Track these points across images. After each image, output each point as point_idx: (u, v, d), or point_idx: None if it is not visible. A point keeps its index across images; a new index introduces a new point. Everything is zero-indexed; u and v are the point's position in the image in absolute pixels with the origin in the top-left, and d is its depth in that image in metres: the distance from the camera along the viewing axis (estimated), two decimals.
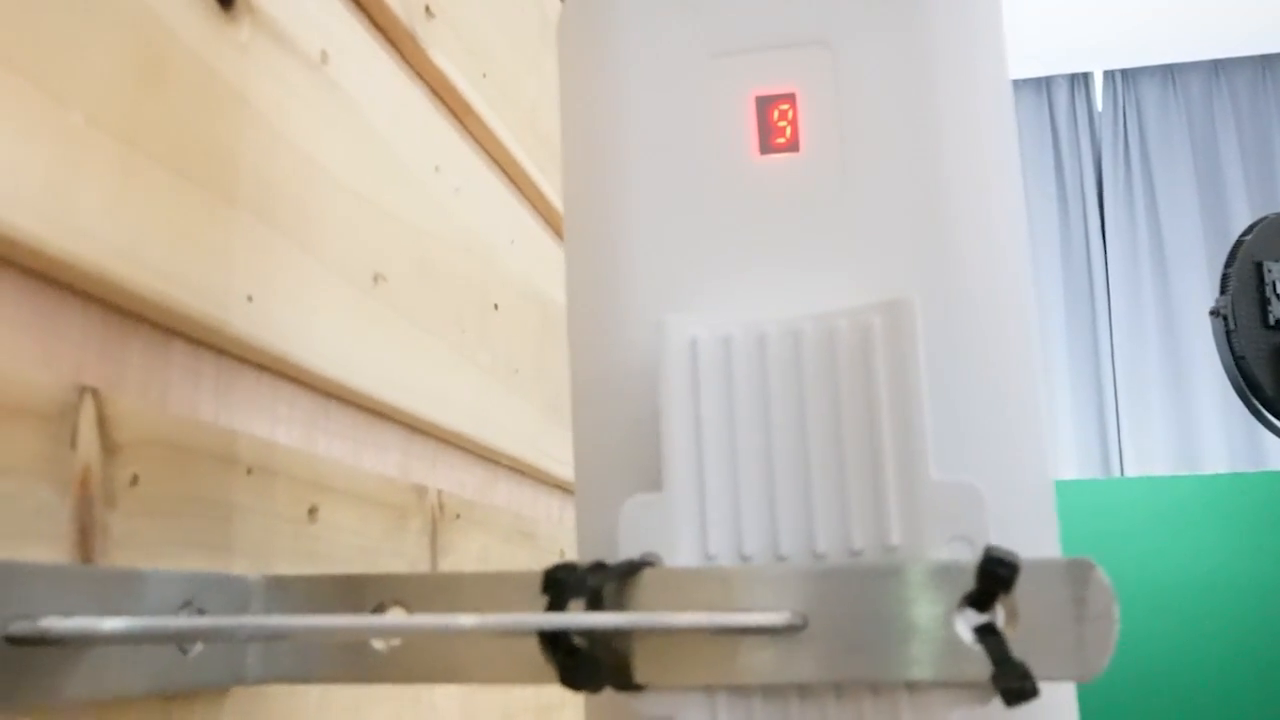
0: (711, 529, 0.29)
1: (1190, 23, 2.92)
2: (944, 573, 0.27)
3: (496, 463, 0.55)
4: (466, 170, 0.51)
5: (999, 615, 0.27)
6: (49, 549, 0.24)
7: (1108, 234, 3.10)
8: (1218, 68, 3.10)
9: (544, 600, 0.27)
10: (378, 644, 0.30)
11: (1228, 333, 1.46)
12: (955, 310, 0.31)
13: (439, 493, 0.46)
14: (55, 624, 0.23)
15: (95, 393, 0.26)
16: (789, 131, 0.33)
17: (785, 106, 0.33)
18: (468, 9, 0.51)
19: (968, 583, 0.27)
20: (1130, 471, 3.00)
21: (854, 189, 0.32)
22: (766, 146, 0.33)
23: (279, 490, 0.34)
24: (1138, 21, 2.91)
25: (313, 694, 0.34)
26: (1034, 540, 0.30)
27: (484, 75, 0.53)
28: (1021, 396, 0.31)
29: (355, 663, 0.30)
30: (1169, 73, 3.13)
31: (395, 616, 0.26)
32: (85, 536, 0.25)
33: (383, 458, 0.42)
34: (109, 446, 0.26)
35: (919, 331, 0.29)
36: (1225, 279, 1.48)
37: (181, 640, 0.25)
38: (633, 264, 0.32)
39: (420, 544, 0.44)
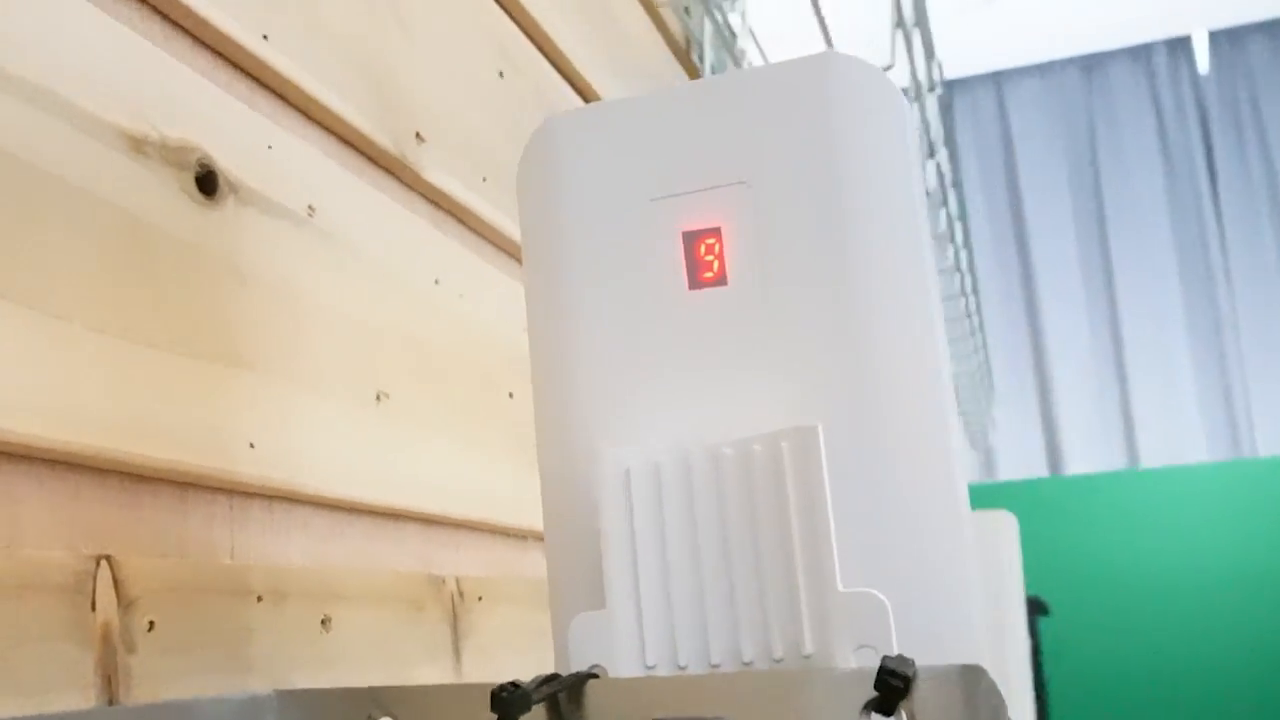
0: (649, 642, 0.33)
1: None
2: (849, 680, 0.30)
3: (524, 536, 0.59)
4: (470, 273, 0.56)
5: (903, 717, 0.30)
6: (78, 697, 0.29)
7: (1222, 205, 3.00)
8: None
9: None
10: None
11: None
12: (870, 424, 0.34)
13: (457, 580, 0.51)
14: None
15: (110, 559, 0.31)
16: (716, 265, 0.37)
17: (712, 240, 0.37)
18: (460, 121, 0.56)
19: (870, 689, 0.30)
20: (1263, 451, 2.90)
21: (776, 316, 0.35)
22: (695, 281, 0.36)
23: (290, 609, 0.38)
24: None
25: None
26: (952, 641, 0.33)
27: (484, 179, 0.58)
28: (939, 502, 0.34)
29: None
30: (1277, 28, 3.02)
31: None
32: (109, 682, 0.30)
33: (402, 556, 0.47)
34: (125, 602, 0.31)
35: (822, 455, 0.32)
36: None
37: None
38: (576, 392, 0.36)
39: (440, 631, 0.48)
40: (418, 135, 0.52)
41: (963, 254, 2.03)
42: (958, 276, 2.01)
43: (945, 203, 1.65)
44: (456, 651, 0.50)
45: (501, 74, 0.61)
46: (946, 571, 0.34)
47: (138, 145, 0.34)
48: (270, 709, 0.35)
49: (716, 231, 0.37)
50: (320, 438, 0.41)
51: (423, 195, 0.53)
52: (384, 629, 0.44)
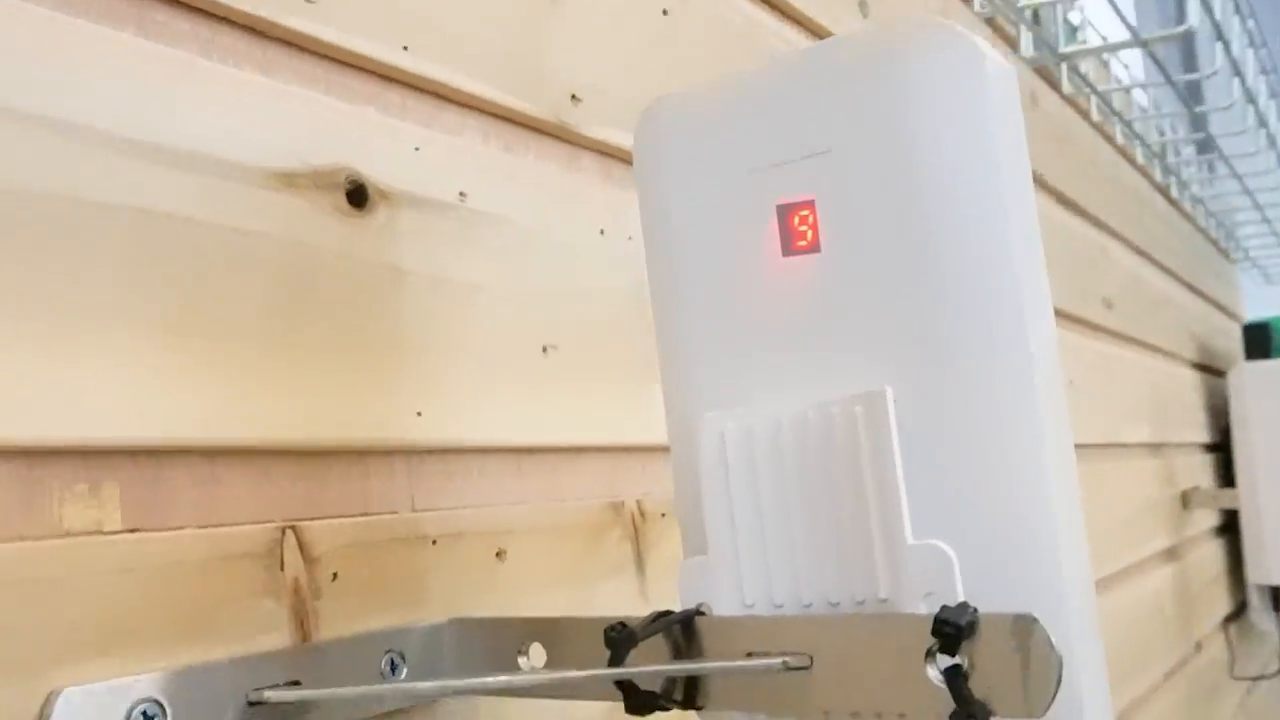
0: (746, 585, 0.37)
1: None
2: (916, 625, 0.33)
3: None
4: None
5: (965, 661, 0.33)
6: (276, 638, 0.37)
7: None
8: None
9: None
10: (522, 661, 0.41)
11: None
12: (945, 386, 0.36)
13: (638, 502, 0.56)
14: (274, 694, 0.35)
15: (294, 527, 0.38)
16: (810, 235, 0.39)
17: (805, 212, 0.39)
18: (618, 74, 0.59)
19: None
20: None
21: (864, 282, 0.37)
22: (789, 249, 0.39)
23: (464, 548, 0.45)
24: None
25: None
26: (1028, 588, 0.35)
27: None
28: (1020, 460, 0.36)
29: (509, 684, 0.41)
30: None
31: (496, 676, 0.37)
32: (302, 624, 0.38)
33: (581, 488, 0.53)
34: (309, 560, 0.38)
35: (890, 417, 0.35)
36: None
37: (368, 700, 0.37)
38: (683, 358, 0.40)
39: (622, 550, 0.54)
40: (573, 97, 0.56)
41: (1261, 80, 1.85)
42: (1251, 109, 1.84)
43: (1221, 36, 1.51)
44: (640, 567, 0.55)
45: (666, 11, 0.64)
46: (1027, 524, 0.35)
47: (289, 181, 0.40)
48: (447, 635, 0.42)
49: (810, 203, 0.39)
50: (487, 394, 0.47)
51: (588, 149, 0.57)
52: (564, 556, 0.50)
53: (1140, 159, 1.75)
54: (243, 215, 0.38)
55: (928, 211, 0.37)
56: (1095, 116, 1.50)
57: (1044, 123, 1.34)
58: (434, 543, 0.44)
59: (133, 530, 0.34)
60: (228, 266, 0.37)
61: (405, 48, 0.46)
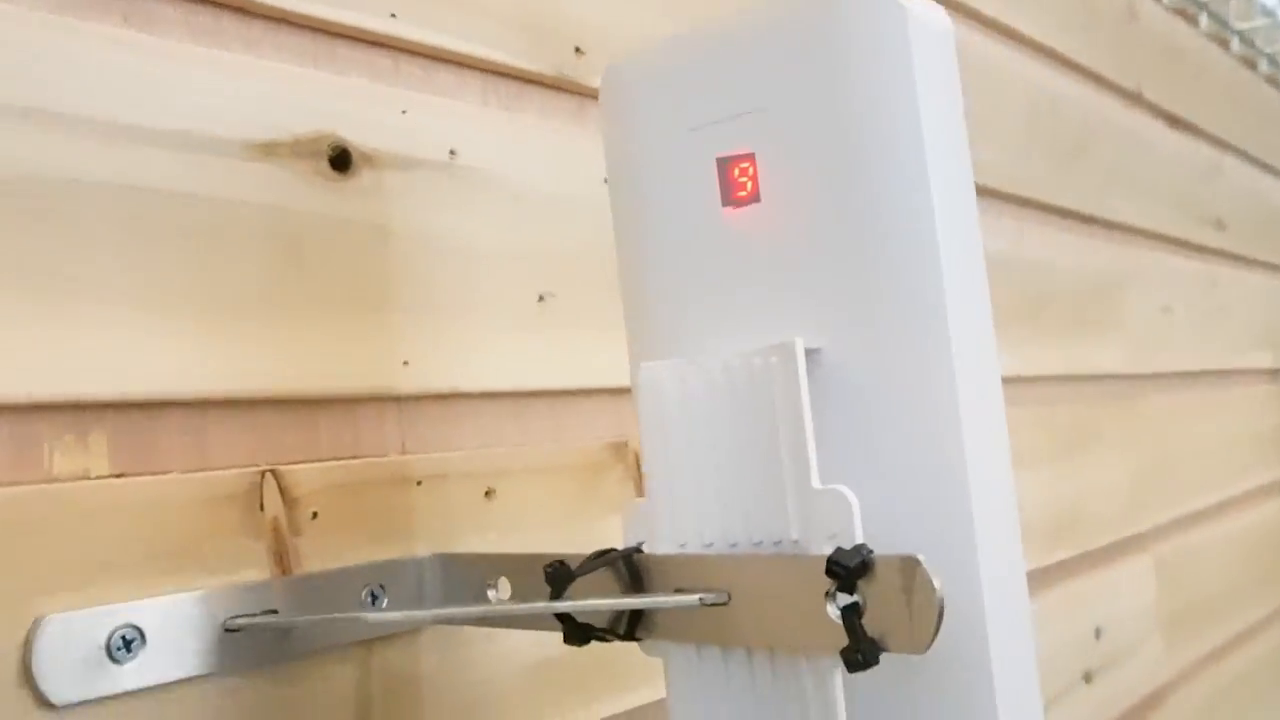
0: (680, 525, 0.39)
1: None
2: (818, 565, 0.35)
3: None
4: None
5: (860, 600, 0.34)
6: (255, 574, 0.41)
7: None
8: None
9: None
10: (491, 593, 0.44)
11: None
12: (867, 337, 0.37)
13: None
14: (249, 621, 0.39)
15: (274, 471, 0.42)
16: (749, 186, 0.40)
17: (745, 164, 0.40)
18: (623, 24, 0.61)
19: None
20: None
21: (800, 233, 0.39)
22: (728, 199, 0.40)
23: (450, 488, 0.48)
24: None
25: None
26: (939, 535, 0.36)
27: None
28: (930, 414, 0.37)
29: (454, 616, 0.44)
30: None
31: (459, 607, 0.40)
32: (281, 560, 0.42)
33: (577, 430, 0.55)
34: (289, 501, 0.42)
35: (800, 369, 0.36)
36: None
37: (335, 626, 0.41)
38: (636, 306, 0.42)
39: (624, 489, 0.57)
40: (577, 50, 0.57)
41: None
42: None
43: None
44: None
45: None
46: (940, 473, 0.36)
47: (269, 150, 0.43)
48: (428, 570, 0.45)
49: (750, 156, 0.40)
50: (479, 343, 0.50)
51: (594, 100, 0.59)
52: (563, 495, 0.53)
53: (1264, 68, 1.66)
54: (225, 185, 0.42)
55: (856, 167, 0.38)
56: (1205, 26, 1.43)
57: (1143, 37, 1.29)
58: (419, 484, 0.47)
59: (119, 475, 0.38)
60: (212, 234, 0.41)
61: (393, 15, 0.48)
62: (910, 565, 0.34)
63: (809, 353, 0.38)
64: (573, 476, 0.54)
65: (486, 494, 0.50)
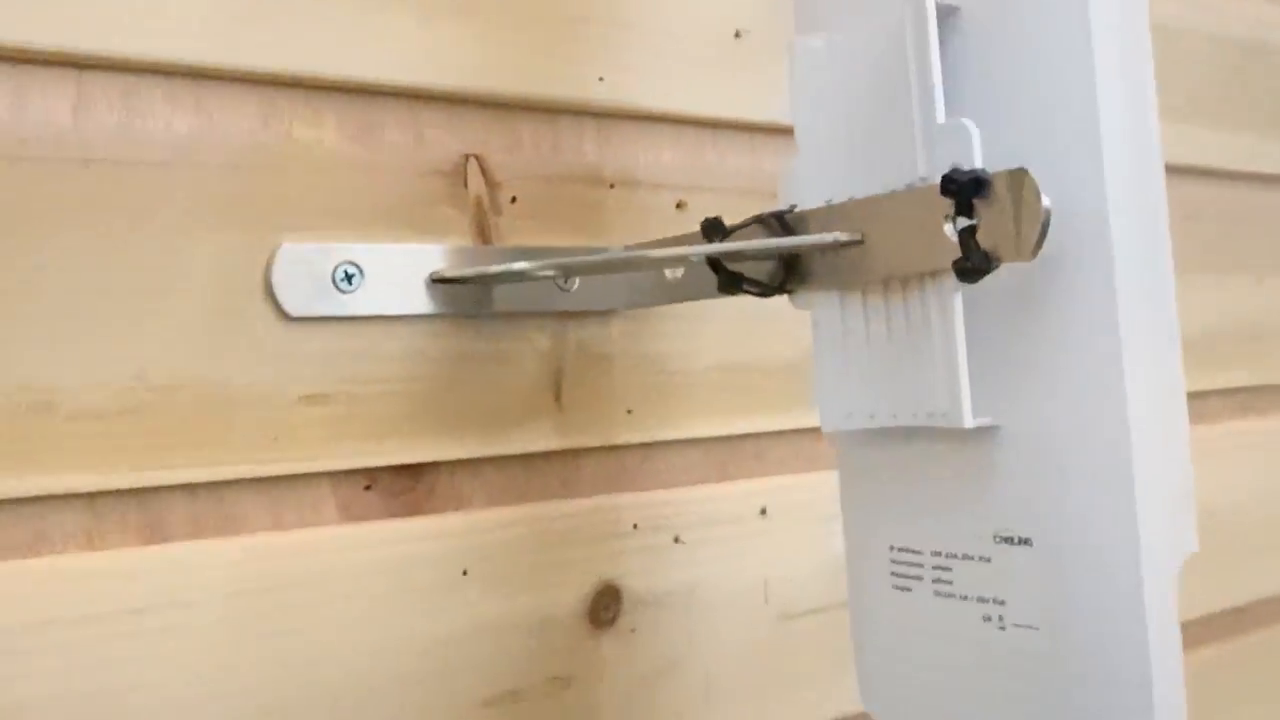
0: (828, 183, 0.42)
1: None
2: (938, 191, 0.37)
3: None
4: None
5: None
6: (459, 240, 0.47)
7: None
8: None
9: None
10: (669, 274, 0.48)
11: None
12: None
13: None
14: (454, 272, 0.46)
15: (479, 156, 0.48)
16: None
17: None
18: None
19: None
20: None
21: None
22: None
23: (642, 194, 0.53)
24: None
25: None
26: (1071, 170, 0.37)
27: None
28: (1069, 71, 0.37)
29: (661, 289, 0.48)
30: None
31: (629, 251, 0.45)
32: (481, 231, 0.48)
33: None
34: (491, 184, 0.48)
35: (933, 30, 0.38)
36: None
37: (532, 274, 0.47)
38: None
39: None
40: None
41: None
42: None
43: None
44: None
45: None
46: (1071, 126, 0.37)
47: None
48: (617, 260, 0.50)
49: None
50: (672, 71, 0.54)
51: None
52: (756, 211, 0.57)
53: None
54: None
55: None
56: None
57: None
58: (611, 186, 0.52)
59: (345, 142, 0.45)
60: None
61: None
62: (1019, 177, 0.35)
63: (945, 9, 0.39)
64: (766, 202, 0.57)
65: (678, 205, 0.54)
